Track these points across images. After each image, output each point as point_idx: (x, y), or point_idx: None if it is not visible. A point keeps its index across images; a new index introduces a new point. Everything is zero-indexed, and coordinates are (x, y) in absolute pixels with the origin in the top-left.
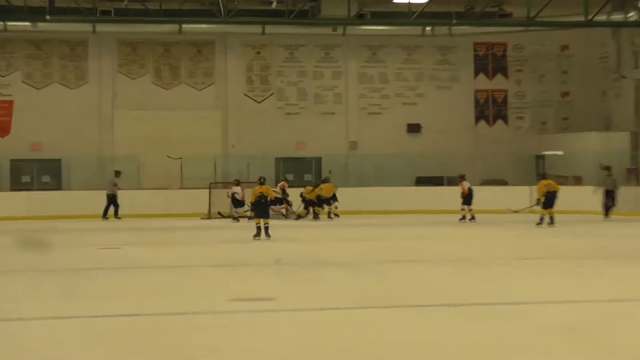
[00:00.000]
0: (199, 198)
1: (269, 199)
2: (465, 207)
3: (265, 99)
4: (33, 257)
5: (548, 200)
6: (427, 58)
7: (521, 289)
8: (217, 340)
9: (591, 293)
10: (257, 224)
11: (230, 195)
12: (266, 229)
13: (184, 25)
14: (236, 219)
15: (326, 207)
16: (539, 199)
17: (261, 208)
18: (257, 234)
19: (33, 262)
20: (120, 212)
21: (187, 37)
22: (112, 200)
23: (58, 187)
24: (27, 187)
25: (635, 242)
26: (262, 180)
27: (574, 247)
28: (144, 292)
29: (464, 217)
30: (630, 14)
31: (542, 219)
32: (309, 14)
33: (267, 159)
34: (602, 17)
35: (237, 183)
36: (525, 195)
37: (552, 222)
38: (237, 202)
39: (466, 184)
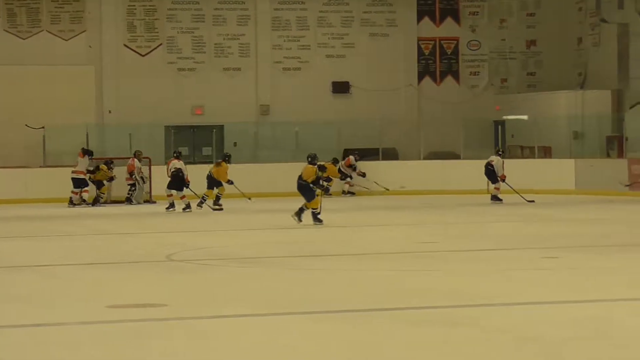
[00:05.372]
0: (67, 178)
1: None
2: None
3: (151, 51)
4: None
5: None
6: None
7: (485, 287)
8: (90, 358)
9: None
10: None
11: (170, 172)
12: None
13: None
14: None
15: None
16: None
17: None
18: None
19: None
20: None
21: None
22: None
23: None
24: None
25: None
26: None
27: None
28: None
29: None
30: None
31: None
32: None
33: (155, 128)
34: None
35: (177, 156)
36: (480, 171)
37: None
38: (178, 181)
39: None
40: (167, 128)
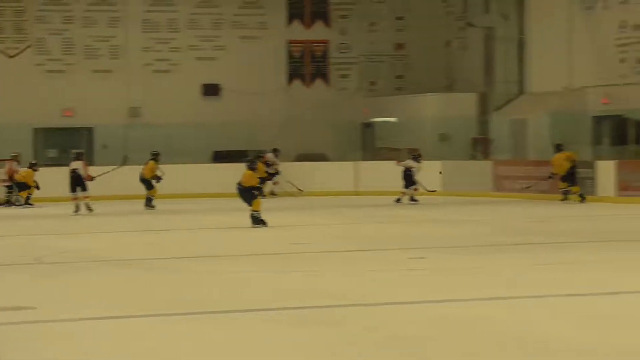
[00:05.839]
0: None
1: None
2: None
3: (19, 52)
4: None
5: (571, 176)
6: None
7: (353, 287)
8: None
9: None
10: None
11: (69, 174)
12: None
13: None
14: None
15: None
16: (554, 174)
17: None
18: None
19: None
20: None
21: None
22: None
23: None
24: None
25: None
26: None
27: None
28: None
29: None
30: None
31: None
32: None
33: (23, 130)
34: None
35: (76, 157)
36: (348, 173)
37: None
38: (77, 180)
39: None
40: (35, 130)
